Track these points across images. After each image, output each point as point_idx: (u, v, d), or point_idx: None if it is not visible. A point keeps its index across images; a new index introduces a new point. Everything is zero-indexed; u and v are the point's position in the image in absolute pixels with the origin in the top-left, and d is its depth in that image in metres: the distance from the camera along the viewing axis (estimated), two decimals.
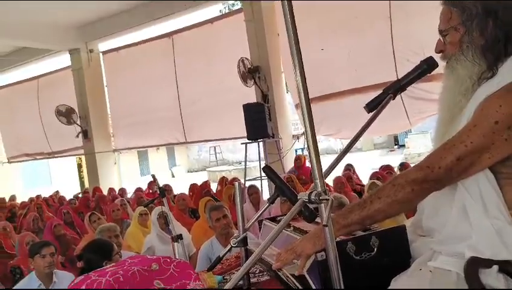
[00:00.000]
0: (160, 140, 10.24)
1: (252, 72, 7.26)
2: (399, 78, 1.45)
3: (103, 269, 1.36)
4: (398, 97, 1.46)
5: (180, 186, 9.16)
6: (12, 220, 7.36)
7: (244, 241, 1.52)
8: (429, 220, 1.32)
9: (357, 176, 6.50)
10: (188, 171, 23.28)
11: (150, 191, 8.37)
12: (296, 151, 8.56)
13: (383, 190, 1.19)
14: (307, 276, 1.21)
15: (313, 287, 1.21)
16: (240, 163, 19.04)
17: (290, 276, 1.18)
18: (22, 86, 12.39)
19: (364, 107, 1.42)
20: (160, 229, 4.33)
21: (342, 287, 1.09)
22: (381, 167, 6.40)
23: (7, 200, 10.00)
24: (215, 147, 22.00)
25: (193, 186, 7.43)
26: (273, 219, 1.78)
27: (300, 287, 1.19)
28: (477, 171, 1.14)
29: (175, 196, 6.43)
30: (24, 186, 14.22)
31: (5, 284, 4.08)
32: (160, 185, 3.15)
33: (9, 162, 13.30)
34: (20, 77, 12.47)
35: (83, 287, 1.26)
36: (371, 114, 1.43)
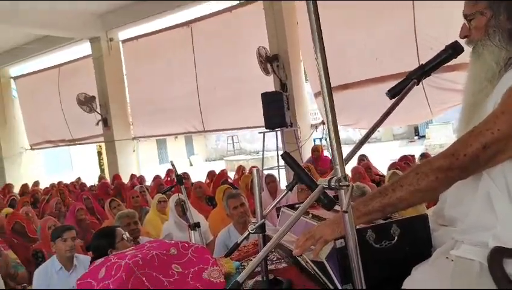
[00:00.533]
0: (179, 128, 10.31)
1: (271, 61, 7.22)
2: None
3: (123, 253, 1.38)
4: (419, 86, 1.43)
5: (198, 175, 9.22)
6: (35, 205, 7.53)
7: (262, 228, 1.52)
8: (452, 209, 1.30)
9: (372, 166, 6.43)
10: (206, 160, 23.43)
11: (169, 178, 8.45)
12: (314, 140, 8.51)
13: (406, 178, 1.17)
14: (325, 263, 1.19)
15: (332, 274, 1.20)
16: (258, 153, 19.06)
17: (309, 262, 1.16)
18: (44, 74, 12.60)
19: (386, 93, 1.39)
20: (178, 216, 4.36)
21: (362, 275, 1.08)
22: (401, 157, 6.31)
23: (30, 186, 10.24)
24: (232, 137, 22.06)
25: (211, 173, 7.46)
26: (291, 207, 1.77)
27: (319, 273, 1.18)
28: (504, 159, 1.11)
29: (193, 183, 6.48)
30: (46, 173, 14.51)
31: (27, 267, 4.18)
32: (178, 173, 3.18)
33: (32, 148, 13.60)
34: (42, 65, 12.67)
35: (103, 269, 1.28)
36: (392, 102, 1.40)
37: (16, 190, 10.24)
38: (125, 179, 9.02)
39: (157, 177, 8.33)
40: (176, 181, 3.12)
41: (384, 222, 1.28)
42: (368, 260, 1.11)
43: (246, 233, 1.55)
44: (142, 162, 12.09)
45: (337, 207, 1.55)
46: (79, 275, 3.19)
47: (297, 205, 1.77)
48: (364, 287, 1.09)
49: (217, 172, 7.65)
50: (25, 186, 10.06)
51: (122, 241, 2.77)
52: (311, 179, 1.48)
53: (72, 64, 11.83)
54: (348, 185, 1.02)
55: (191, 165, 21.52)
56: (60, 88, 11.98)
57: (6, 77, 13.49)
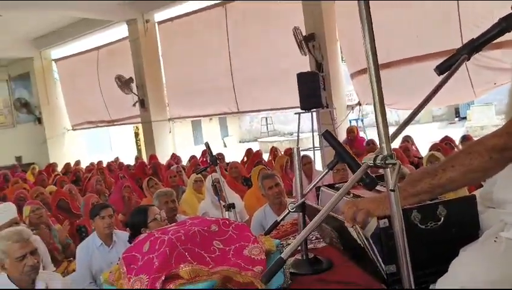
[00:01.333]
0: (213, 110, 10.38)
1: (307, 40, 7.09)
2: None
3: (165, 228, 1.41)
4: (462, 65, 1.35)
5: (232, 156, 9.29)
6: (77, 183, 7.82)
7: (302, 207, 1.51)
8: (501, 191, 1.24)
9: (416, 148, 6.27)
10: (240, 142, 23.55)
11: (204, 159, 8.56)
12: (350, 122, 8.37)
13: (457, 158, 1.11)
14: (370, 240, 1.18)
15: (377, 254, 1.18)
16: (292, 134, 18.98)
17: (361, 233, 1.15)
18: (84, 57, 12.92)
19: (434, 69, 1.33)
20: (215, 195, 4.41)
21: (408, 256, 1.05)
22: (442, 138, 6.11)
23: (72, 165, 10.64)
24: (266, 118, 22.01)
25: (248, 151, 7.51)
26: (331, 186, 1.75)
27: (368, 248, 1.16)
28: None
29: (228, 163, 6.54)
30: (87, 153, 15.03)
31: (74, 241, 4.37)
32: (213, 154, 3.19)
33: (73, 129, 14.08)
34: (81, 47, 12.98)
35: (147, 243, 1.31)
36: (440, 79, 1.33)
37: (59, 168, 10.68)
38: (161, 160, 9.20)
39: (193, 158, 8.46)
40: (211, 162, 3.15)
41: (430, 202, 1.24)
42: (412, 241, 1.08)
43: (286, 212, 1.55)
44: (178, 143, 12.31)
45: (378, 188, 1.53)
46: (118, 251, 3.31)
47: (336, 185, 1.75)
48: (409, 269, 1.07)
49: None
50: (67, 165, 10.46)
51: (155, 221, 2.79)
52: (353, 158, 1.45)
53: (110, 46, 12.06)
54: (394, 164, 0.99)
55: (225, 146, 21.69)
56: (99, 70, 12.27)
57: (48, 60, 13.93)
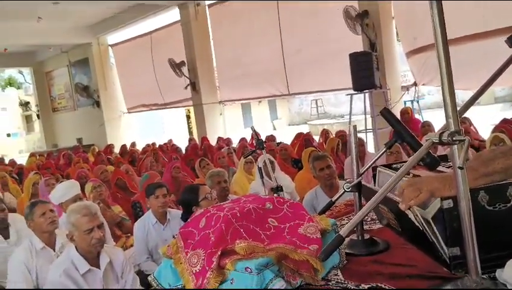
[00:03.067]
0: (263, 92, 10.36)
1: (360, 18, 6.85)
2: None
3: (220, 205, 1.42)
4: None
5: (281, 139, 9.26)
6: (133, 164, 8.14)
7: (358, 187, 1.47)
8: None
9: (475, 130, 5.93)
10: (289, 125, 23.46)
11: (253, 141, 8.61)
12: (404, 103, 8.06)
13: None
14: (431, 223, 1.12)
15: (439, 236, 1.12)
16: (343, 117, 18.63)
17: (419, 215, 1.09)
18: (138, 41, 13.30)
19: (506, 41, 1.23)
20: (266, 176, 4.43)
21: (474, 238, 1.00)
22: (503, 119, 5.74)
23: (128, 146, 11.08)
24: (316, 101, 21.72)
25: (299, 135, 7.47)
26: (388, 167, 1.69)
27: (428, 231, 1.11)
28: None
29: (278, 144, 6.53)
30: (141, 135, 15.60)
31: (131, 218, 4.56)
32: (261, 137, 3.18)
33: (129, 112, 14.63)
34: (135, 32, 13.36)
35: (203, 219, 1.33)
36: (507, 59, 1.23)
37: (116, 150, 11.16)
38: (212, 142, 9.37)
39: (242, 140, 8.53)
40: (257, 145, 3.13)
41: (499, 183, 1.16)
42: (478, 223, 1.02)
43: (341, 191, 1.52)
44: (228, 126, 12.45)
45: (440, 168, 1.45)
46: (172, 229, 3.42)
47: (394, 165, 1.68)
48: (475, 252, 1.01)
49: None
50: (124, 146, 10.90)
51: (205, 200, 2.84)
52: (413, 136, 1.39)
53: (163, 30, 12.31)
54: (463, 140, 0.93)
55: (275, 129, 21.68)
56: (153, 54, 12.58)
57: (105, 45, 14.46)
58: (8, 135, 26.73)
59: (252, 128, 2.76)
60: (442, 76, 0.94)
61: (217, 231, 1.24)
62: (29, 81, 26.98)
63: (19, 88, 30.98)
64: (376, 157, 1.50)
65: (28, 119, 26.96)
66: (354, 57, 6.18)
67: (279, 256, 1.19)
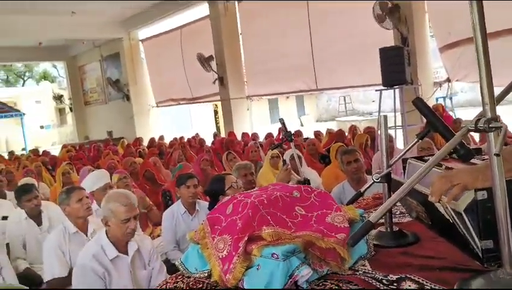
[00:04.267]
0: (291, 87, 10.33)
1: (392, 12, 6.71)
2: None
3: (248, 192, 1.42)
4: None
5: (309, 135, 9.21)
6: (160, 157, 8.27)
7: (387, 177, 1.45)
8: None
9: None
10: (317, 121, 23.29)
11: (280, 137, 8.59)
12: (436, 100, 7.86)
13: None
14: (463, 215, 1.09)
15: (471, 229, 1.09)
16: (371, 114, 18.34)
17: (449, 208, 1.06)
18: (168, 36, 13.47)
19: None
20: (292, 169, 4.41)
21: (509, 231, 0.96)
22: None
23: (156, 140, 11.26)
24: (345, 97, 21.48)
25: (330, 131, 7.41)
26: (419, 159, 1.65)
27: (459, 224, 1.08)
28: None
29: (306, 139, 6.50)
30: (169, 128, 15.83)
31: (158, 209, 4.64)
32: (289, 130, 3.16)
33: (157, 106, 14.85)
34: (165, 27, 13.53)
35: (230, 205, 1.33)
36: None
37: (145, 143, 11.36)
38: (239, 137, 9.41)
39: (269, 135, 8.54)
40: (285, 137, 3.13)
41: None
42: None
43: (370, 182, 1.50)
44: (255, 121, 12.47)
45: (474, 161, 1.41)
46: (200, 220, 3.45)
47: (425, 157, 1.64)
48: (510, 244, 0.98)
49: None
50: (152, 139, 11.09)
51: (231, 189, 2.87)
52: (447, 127, 1.36)
53: (192, 25, 12.42)
54: (499, 127, 0.90)
55: (302, 125, 21.57)
56: (182, 49, 12.71)
57: (136, 40, 14.73)
58: (42, 127, 27.62)
59: (281, 120, 2.75)
60: (480, 60, 0.91)
61: (244, 217, 1.24)
62: (62, 75, 27.81)
63: (52, 82, 31.98)
64: (407, 148, 1.47)
65: (61, 112, 27.79)
66: (385, 52, 6.05)
67: (305, 243, 1.18)
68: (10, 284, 2.35)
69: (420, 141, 1.46)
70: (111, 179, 4.49)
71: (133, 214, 2.45)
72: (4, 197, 5.09)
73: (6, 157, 11.30)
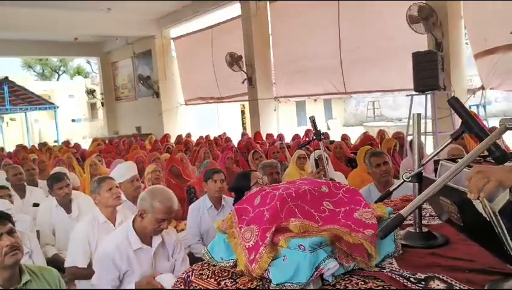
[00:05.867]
0: (319, 89, 10.25)
1: (427, 16, 6.58)
2: None
3: (276, 185, 1.43)
4: None
5: (335, 139, 9.13)
6: (186, 153, 8.36)
7: (418, 177, 1.43)
8: None
9: None
10: (344, 125, 23.06)
11: (307, 138, 8.55)
12: (469, 107, 7.66)
13: None
14: (498, 216, 1.06)
15: (504, 229, 1.06)
16: (400, 120, 18.03)
17: (488, 206, 1.04)
18: (199, 35, 13.63)
19: None
20: None
21: None
22: None
23: (183, 137, 11.39)
24: (373, 102, 21.20)
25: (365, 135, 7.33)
26: (452, 161, 1.61)
27: (496, 224, 1.05)
28: None
29: (332, 142, 6.45)
30: (196, 127, 15.99)
31: (182, 205, 4.70)
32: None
33: (186, 104, 15.04)
34: (197, 26, 13.69)
35: (258, 197, 1.34)
36: None
37: (172, 140, 11.51)
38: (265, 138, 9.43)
39: (296, 137, 8.51)
40: (315, 136, 3.11)
41: None
42: None
43: (400, 181, 1.48)
44: (281, 123, 12.45)
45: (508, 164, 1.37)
46: (226, 215, 3.49)
47: (458, 159, 1.60)
48: None
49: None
50: (179, 137, 11.23)
51: (256, 184, 2.88)
52: (481, 127, 1.33)
53: (223, 25, 12.52)
54: None
55: (329, 129, 21.41)
56: (213, 48, 12.83)
57: (167, 38, 14.96)
58: (73, 121, 28.38)
59: (312, 118, 2.70)
60: None
61: (272, 209, 1.25)
62: (95, 71, 28.53)
63: (86, 77, 32.82)
64: (440, 148, 1.44)
65: (92, 106, 28.49)
66: (418, 56, 5.95)
67: (333, 237, 1.18)
68: (40, 265, 2.43)
69: (454, 141, 1.43)
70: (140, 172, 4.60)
71: (170, 216, 2.49)
72: (36, 185, 5.26)
73: (39, 148, 11.68)
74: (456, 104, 1.35)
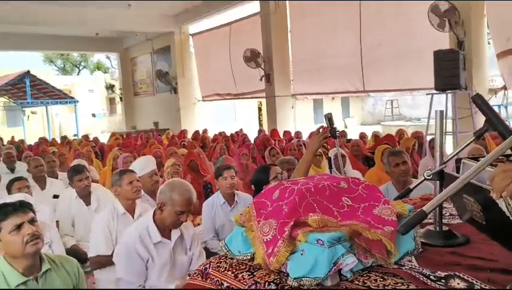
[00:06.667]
0: (338, 88, 10.18)
1: (449, 14, 6.46)
2: None
3: (295, 180, 1.43)
4: None
5: (352, 138, 9.06)
6: (203, 149, 8.40)
7: (440, 175, 1.41)
8: None
9: None
10: (361, 124, 22.88)
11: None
12: None
13: None
14: None
15: None
16: (419, 120, 17.80)
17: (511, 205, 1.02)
18: (217, 32, 13.65)
19: None
20: (335, 169, 4.37)
21: None
22: None
23: (200, 133, 11.46)
24: (392, 101, 20.96)
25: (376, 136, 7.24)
26: (475, 159, 1.59)
27: None
28: None
29: (349, 140, 6.40)
30: (212, 123, 16.05)
31: (199, 199, 4.74)
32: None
33: (203, 100, 15.11)
34: (215, 23, 13.71)
35: (277, 191, 1.34)
36: None
37: (189, 135, 11.58)
38: (281, 135, 9.40)
39: (312, 134, 8.47)
40: (330, 134, 3.07)
41: None
42: None
43: (421, 179, 1.46)
44: (299, 121, 12.41)
45: None
46: (240, 211, 3.50)
47: (480, 158, 1.57)
48: None
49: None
50: (196, 132, 11.30)
51: (275, 179, 2.87)
52: (506, 125, 1.30)
53: (242, 22, 12.52)
54: None
55: (346, 127, 21.28)
56: (231, 45, 12.85)
57: (186, 34, 15.03)
58: (93, 115, 28.81)
59: (328, 114, 2.61)
60: None
61: (291, 203, 1.25)
62: (115, 66, 28.89)
63: (105, 72, 33.26)
64: (463, 146, 1.42)
65: (111, 101, 28.86)
66: (439, 55, 5.84)
67: (352, 233, 1.17)
68: (60, 255, 2.48)
69: (477, 140, 1.40)
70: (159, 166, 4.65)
71: (188, 209, 2.51)
72: (56, 177, 5.35)
73: (59, 141, 11.90)
74: (479, 102, 1.33)
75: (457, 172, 1.60)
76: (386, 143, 5.62)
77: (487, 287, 1.03)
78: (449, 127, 6.29)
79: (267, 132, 10.88)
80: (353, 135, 10.26)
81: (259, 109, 19.16)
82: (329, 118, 2.71)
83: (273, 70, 10.86)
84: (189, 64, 15.12)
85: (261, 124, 17.38)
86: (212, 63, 13.94)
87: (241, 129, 11.61)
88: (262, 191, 1.43)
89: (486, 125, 1.34)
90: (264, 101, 12.65)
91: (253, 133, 11.33)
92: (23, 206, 2.03)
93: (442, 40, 6.83)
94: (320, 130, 2.49)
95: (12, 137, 13.78)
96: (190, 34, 15.11)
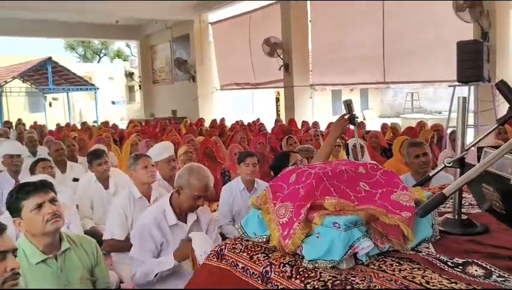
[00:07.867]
0: (357, 79, 10.07)
1: (474, 4, 6.29)
2: None
3: (312, 165, 1.42)
4: None
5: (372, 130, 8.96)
6: (220, 137, 8.43)
7: (460, 162, 1.38)
8: None
9: None
10: (380, 116, 22.59)
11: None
12: None
13: None
14: None
15: None
16: (440, 113, 17.49)
17: None
18: (236, 20, 13.60)
19: None
20: (354, 158, 4.35)
21: None
22: None
23: (218, 121, 11.50)
24: (412, 94, 20.63)
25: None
26: (496, 148, 1.55)
27: None
28: None
29: (367, 132, 6.34)
30: (230, 112, 16.08)
31: (215, 186, 4.77)
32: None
33: (221, 89, 15.12)
34: (235, 11, 13.64)
35: (294, 175, 1.34)
36: None
37: (206, 124, 11.63)
38: (299, 125, 9.36)
39: (330, 125, 8.41)
40: (349, 121, 3.02)
41: None
42: None
43: (441, 166, 1.44)
44: (316, 111, 12.33)
45: None
46: None
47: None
48: None
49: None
50: (214, 121, 11.34)
51: (295, 165, 2.88)
52: None
53: (261, 10, 12.44)
54: None
55: (364, 119, 21.04)
56: (250, 34, 12.79)
57: (206, 22, 15.01)
58: (113, 103, 29.16)
59: (347, 101, 2.54)
60: None
61: (307, 186, 1.25)
62: (134, 54, 29.10)
63: (125, 60, 33.54)
64: (485, 133, 1.39)
65: (130, 89, 29.14)
66: (462, 46, 5.71)
67: (368, 217, 1.16)
68: (79, 235, 2.53)
69: (501, 126, 1.37)
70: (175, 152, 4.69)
71: (206, 193, 2.54)
72: (76, 161, 5.45)
73: (79, 127, 12.10)
74: (503, 88, 1.29)
75: (478, 162, 1.57)
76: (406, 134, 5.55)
77: (506, 275, 1.01)
78: (471, 120, 6.16)
79: (284, 122, 10.86)
80: (371, 126, 10.18)
81: (277, 100, 19.11)
82: (348, 104, 2.64)
83: (292, 60, 10.79)
84: (208, 53, 15.13)
85: (278, 114, 17.33)
86: (231, 52, 13.91)
87: (258, 119, 11.60)
88: (279, 175, 1.43)
89: (510, 112, 1.31)
90: (282, 91, 12.60)
91: (271, 123, 11.31)
92: (45, 186, 2.07)
93: (467, 32, 6.68)
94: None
95: (35, 122, 14.05)
96: (209, 23, 15.08)
